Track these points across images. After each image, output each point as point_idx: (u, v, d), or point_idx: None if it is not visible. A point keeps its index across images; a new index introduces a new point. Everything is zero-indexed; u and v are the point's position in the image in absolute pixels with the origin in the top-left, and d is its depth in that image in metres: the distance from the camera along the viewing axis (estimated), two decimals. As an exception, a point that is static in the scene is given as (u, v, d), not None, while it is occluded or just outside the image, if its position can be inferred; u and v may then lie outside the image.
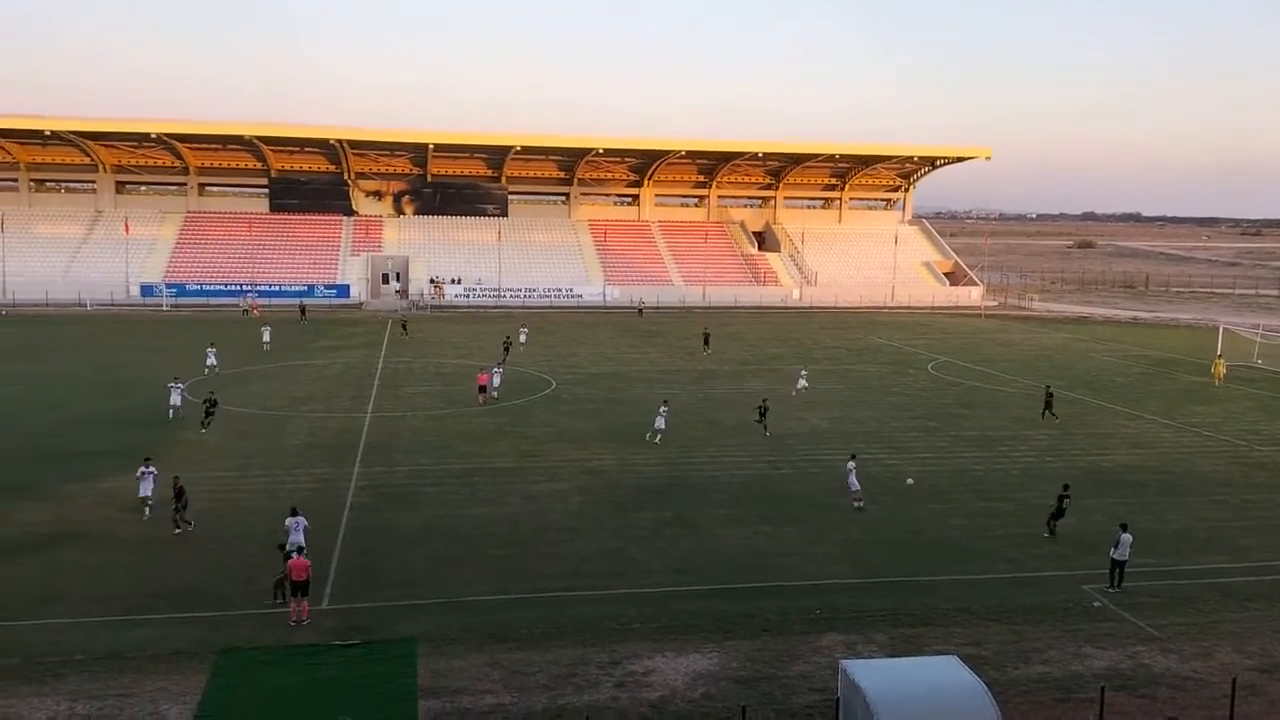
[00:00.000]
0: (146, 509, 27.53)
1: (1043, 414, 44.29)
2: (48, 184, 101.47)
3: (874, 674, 16.21)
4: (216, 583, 23.73)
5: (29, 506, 28.96)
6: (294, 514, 24.72)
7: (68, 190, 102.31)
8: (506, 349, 57.75)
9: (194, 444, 36.95)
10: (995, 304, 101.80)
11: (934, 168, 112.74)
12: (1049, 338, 76.34)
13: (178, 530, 26.84)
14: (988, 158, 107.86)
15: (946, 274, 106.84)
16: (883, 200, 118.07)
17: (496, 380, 46.71)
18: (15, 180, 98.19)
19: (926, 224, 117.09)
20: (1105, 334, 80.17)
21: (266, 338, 60.55)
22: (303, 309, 79.97)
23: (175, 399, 40.64)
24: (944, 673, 16.58)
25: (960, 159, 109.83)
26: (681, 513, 29.78)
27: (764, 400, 42.18)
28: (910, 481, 33.10)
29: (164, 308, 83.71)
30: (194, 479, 31.95)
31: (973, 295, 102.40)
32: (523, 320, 65.45)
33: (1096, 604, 23.54)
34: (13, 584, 23.26)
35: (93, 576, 23.98)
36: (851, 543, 27.60)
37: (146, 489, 27.56)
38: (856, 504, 30.34)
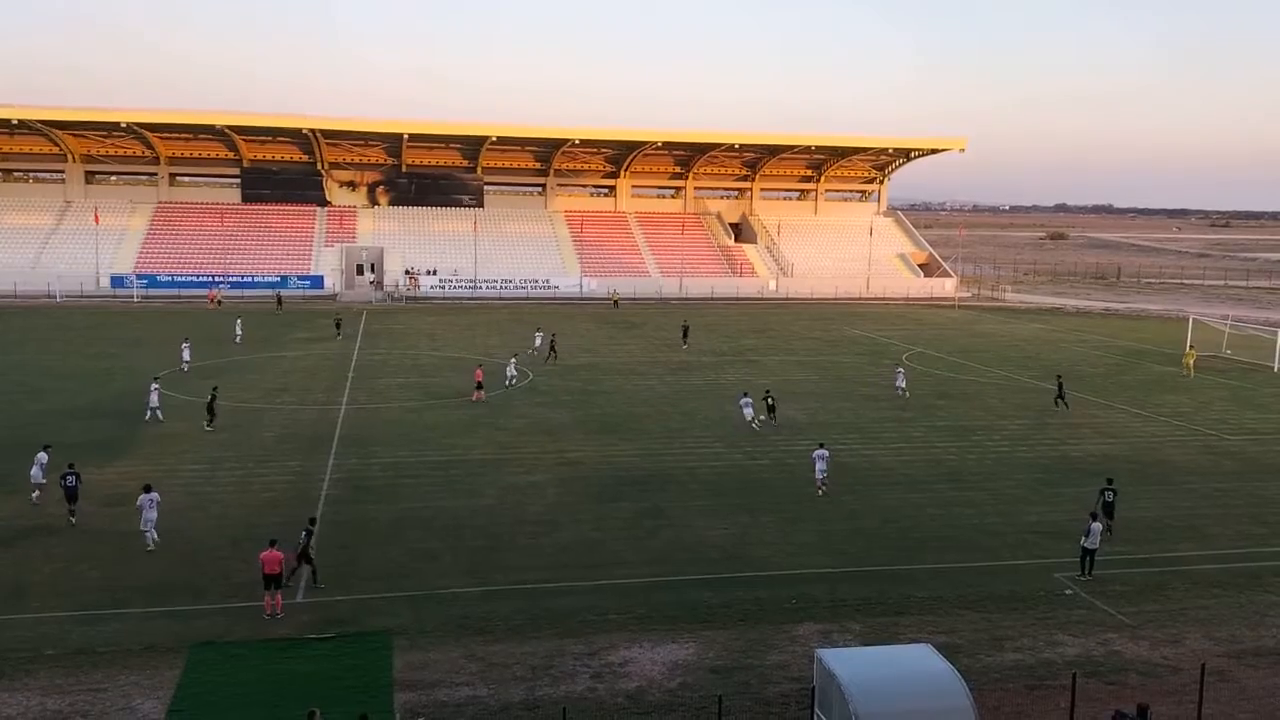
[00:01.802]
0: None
1: (1055, 402, 44.91)
2: (15, 173, 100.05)
3: (849, 662, 16.33)
4: (189, 577, 23.54)
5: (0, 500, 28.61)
6: (147, 490, 25.25)
7: (36, 180, 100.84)
8: (553, 347, 55.51)
9: (167, 438, 36.60)
10: (969, 295, 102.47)
11: (908, 160, 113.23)
12: (1022, 329, 76.95)
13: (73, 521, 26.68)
14: (962, 150, 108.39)
15: (921, 265, 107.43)
16: (858, 192, 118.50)
17: (512, 371, 48.02)
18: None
19: (901, 215, 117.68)
20: (1077, 325, 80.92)
21: (239, 330, 60.01)
22: (279, 299, 79.43)
23: (154, 400, 39.09)
24: (918, 661, 16.73)
25: (934, 151, 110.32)
26: (659, 504, 29.83)
27: (768, 393, 41.54)
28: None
29: (135, 299, 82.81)
30: (168, 472, 31.79)
31: (947, 287, 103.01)
32: (537, 323, 63.91)
33: (1068, 592, 23.79)
34: (-18, 579, 22.97)
35: (64, 571, 23.73)
36: (828, 533, 27.75)
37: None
38: (821, 490, 30.94)
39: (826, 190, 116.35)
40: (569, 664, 19.50)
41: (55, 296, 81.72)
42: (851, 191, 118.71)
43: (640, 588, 23.56)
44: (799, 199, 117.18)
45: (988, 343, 67.90)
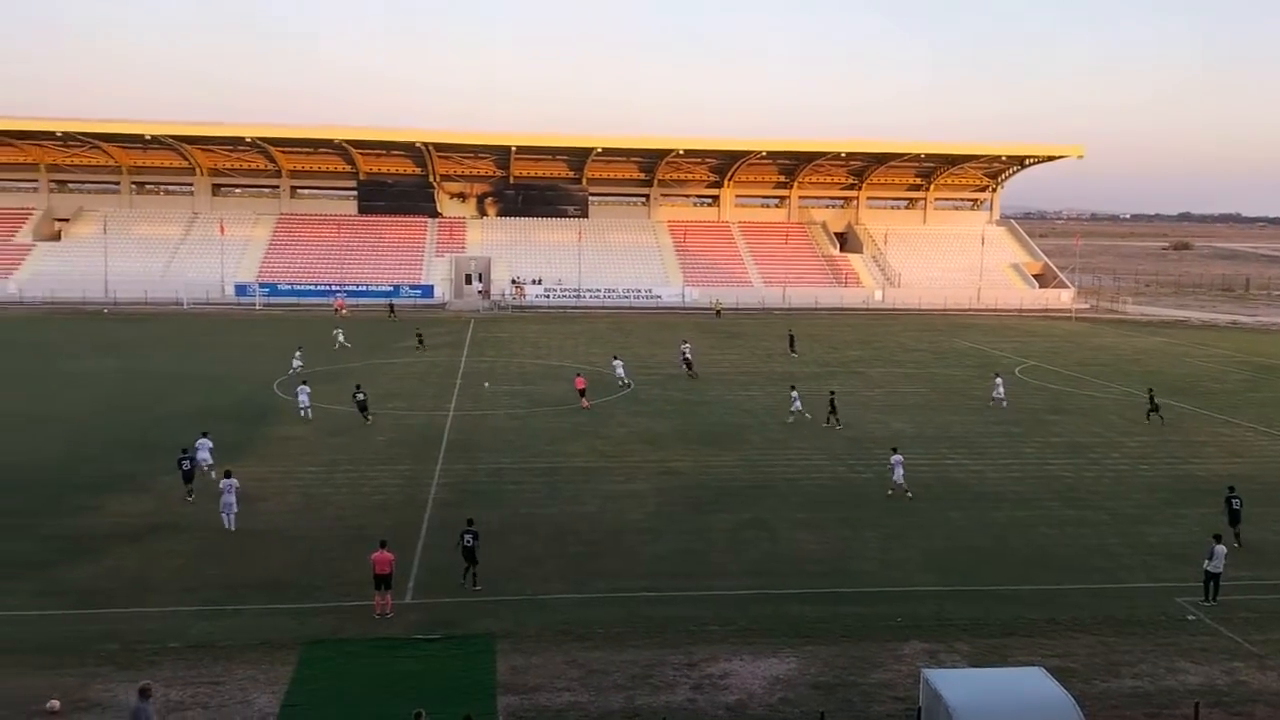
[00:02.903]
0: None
1: (1148, 416, 43.37)
2: (148, 186, 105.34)
3: (957, 683, 15.92)
4: (304, 575, 24.36)
5: (129, 497, 30.14)
6: (227, 476, 27.48)
7: (166, 192, 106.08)
8: (687, 363, 55.17)
9: (287, 440, 38.01)
10: (1086, 307, 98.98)
11: (1023, 167, 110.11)
12: (1142, 342, 73.95)
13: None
14: (1080, 156, 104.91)
15: (1035, 276, 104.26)
16: (969, 200, 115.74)
17: (620, 370, 50.68)
18: (117, 183, 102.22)
19: (1015, 224, 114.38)
20: (1202, 338, 77.35)
21: (339, 338, 62.03)
22: (391, 308, 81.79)
23: (304, 400, 41.77)
24: (1029, 684, 16.19)
25: (1050, 158, 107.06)
26: (759, 515, 29.61)
27: (831, 393, 42.95)
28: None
29: (257, 307, 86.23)
30: (286, 473, 33.05)
31: (1063, 298, 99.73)
32: (684, 335, 63.49)
33: (1190, 617, 22.73)
34: (112, 573, 24.21)
35: (186, 566, 24.82)
36: (934, 549, 27.12)
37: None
38: (891, 494, 31.54)
39: (936, 198, 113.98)
40: (668, 674, 19.48)
41: (183, 304, 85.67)
42: (963, 200, 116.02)
43: (740, 599, 23.41)
44: (907, 207, 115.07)
45: (1106, 356, 65.46)
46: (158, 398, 45.58)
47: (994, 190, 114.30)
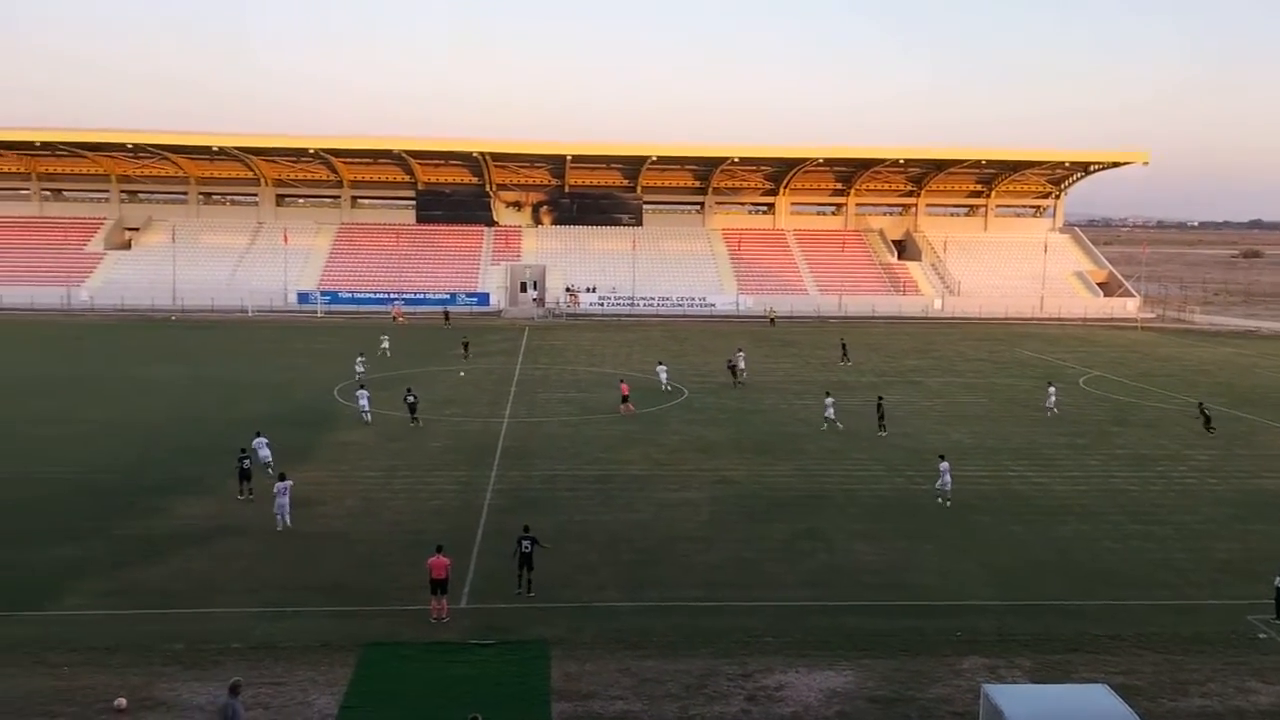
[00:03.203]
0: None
1: (1207, 427, 42.80)
2: (215, 197, 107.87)
3: (1018, 699, 15.63)
4: (363, 579, 24.70)
5: (196, 501, 30.83)
6: (282, 479, 28.64)
7: (232, 203, 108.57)
8: (733, 370, 54.79)
9: (347, 445, 38.61)
10: (1153, 316, 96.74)
11: (1087, 173, 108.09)
12: (1211, 352, 72.04)
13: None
14: (1145, 163, 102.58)
15: (1100, 284, 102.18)
16: (1032, 207, 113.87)
17: (663, 376, 51.86)
18: (185, 194, 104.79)
19: (1079, 232, 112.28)
20: (1273, 349, 75.12)
21: (385, 345, 62.72)
22: (446, 315, 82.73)
23: (365, 403, 42.87)
24: (1093, 701, 15.84)
25: (1115, 164, 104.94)
26: (815, 526, 29.37)
27: (880, 398, 43.59)
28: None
29: (318, 314, 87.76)
30: (346, 478, 33.58)
31: (1128, 307, 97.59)
32: (739, 344, 63.53)
33: (1262, 635, 22.07)
34: (179, 574, 24.77)
35: (250, 568, 25.31)
36: (994, 563, 26.67)
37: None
38: (948, 504, 31.43)
39: (997, 206, 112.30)
40: (723, 684, 19.38)
41: (248, 311, 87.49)
42: (1024, 207, 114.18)
43: (795, 611, 23.23)
44: (967, 215, 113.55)
45: (1173, 367, 63.92)
46: (223, 404, 46.56)
47: (1057, 197, 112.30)
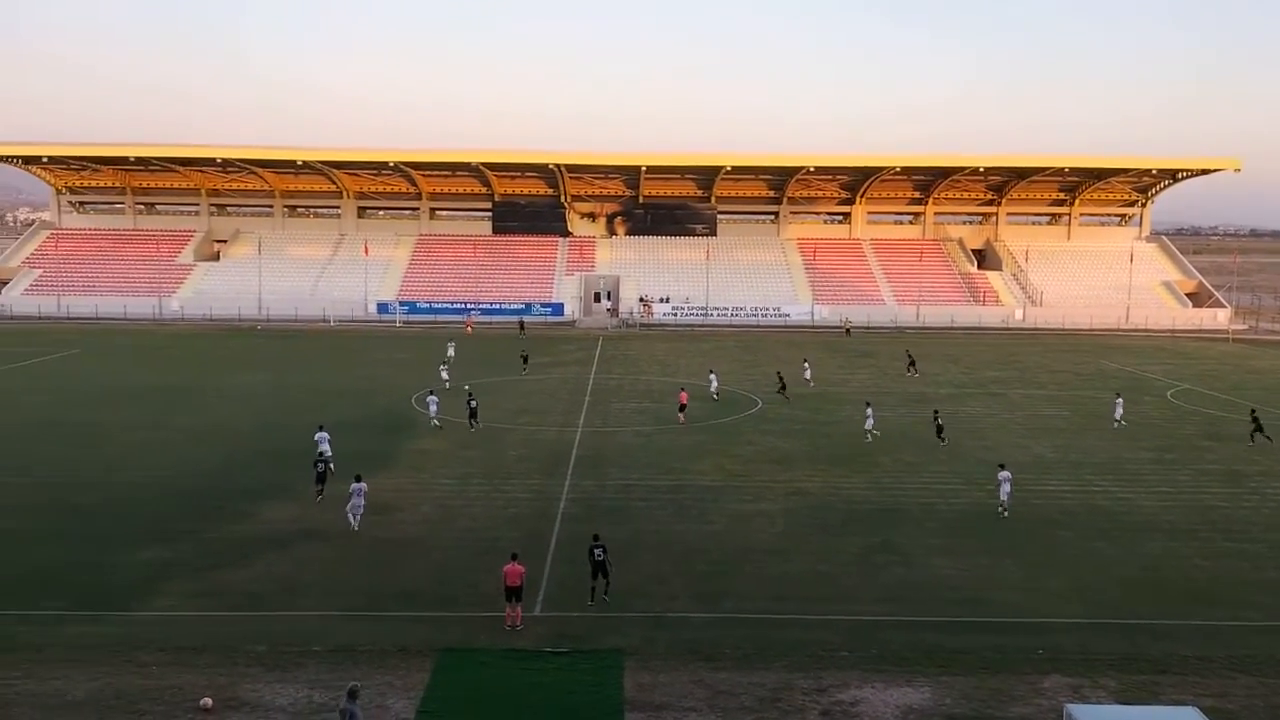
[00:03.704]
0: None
1: (1252, 437, 41.95)
2: (299, 209, 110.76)
3: (1103, 721, 15.17)
4: (439, 584, 25.04)
5: (279, 505, 31.61)
6: (358, 480, 29.22)
7: (315, 215, 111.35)
8: (782, 386, 53.41)
9: (425, 453, 39.22)
10: (1245, 327, 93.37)
11: (1175, 181, 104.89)
12: (1309, 365, 69.20)
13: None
14: (1236, 169, 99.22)
15: (1189, 294, 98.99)
16: (1117, 216, 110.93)
17: (715, 384, 51.89)
18: (271, 206, 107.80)
19: (1167, 241, 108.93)
20: (1379, 361, 71.88)
21: (450, 352, 63.55)
22: (521, 325, 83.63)
23: (434, 409, 44.22)
24: (1183, 726, 15.30)
25: (1205, 171, 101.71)
26: (891, 539, 28.94)
27: (936, 412, 43.31)
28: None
29: (397, 324, 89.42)
30: (423, 485, 34.11)
31: (1219, 318, 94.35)
32: (805, 354, 63.34)
33: (1366, 663, 21.07)
34: (263, 577, 25.41)
35: (330, 572, 25.84)
36: (1079, 579, 25.95)
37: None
38: (1001, 510, 31.33)
39: (1081, 214, 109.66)
40: (797, 698, 19.18)
41: (329, 321, 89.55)
42: (1110, 215, 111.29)
43: (871, 625, 22.89)
44: (1050, 223, 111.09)
45: (1267, 380, 61.59)
46: (306, 411, 47.64)
47: (1144, 205, 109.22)
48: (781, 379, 53.73)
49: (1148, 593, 25.14)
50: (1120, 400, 46.74)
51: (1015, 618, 23.42)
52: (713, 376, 52.90)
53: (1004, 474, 31.69)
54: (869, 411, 42.86)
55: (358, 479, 29.44)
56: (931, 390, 55.64)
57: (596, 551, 23.77)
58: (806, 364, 58.17)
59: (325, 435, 35.97)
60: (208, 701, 18.36)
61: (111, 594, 24.11)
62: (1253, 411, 44.34)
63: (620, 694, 19.07)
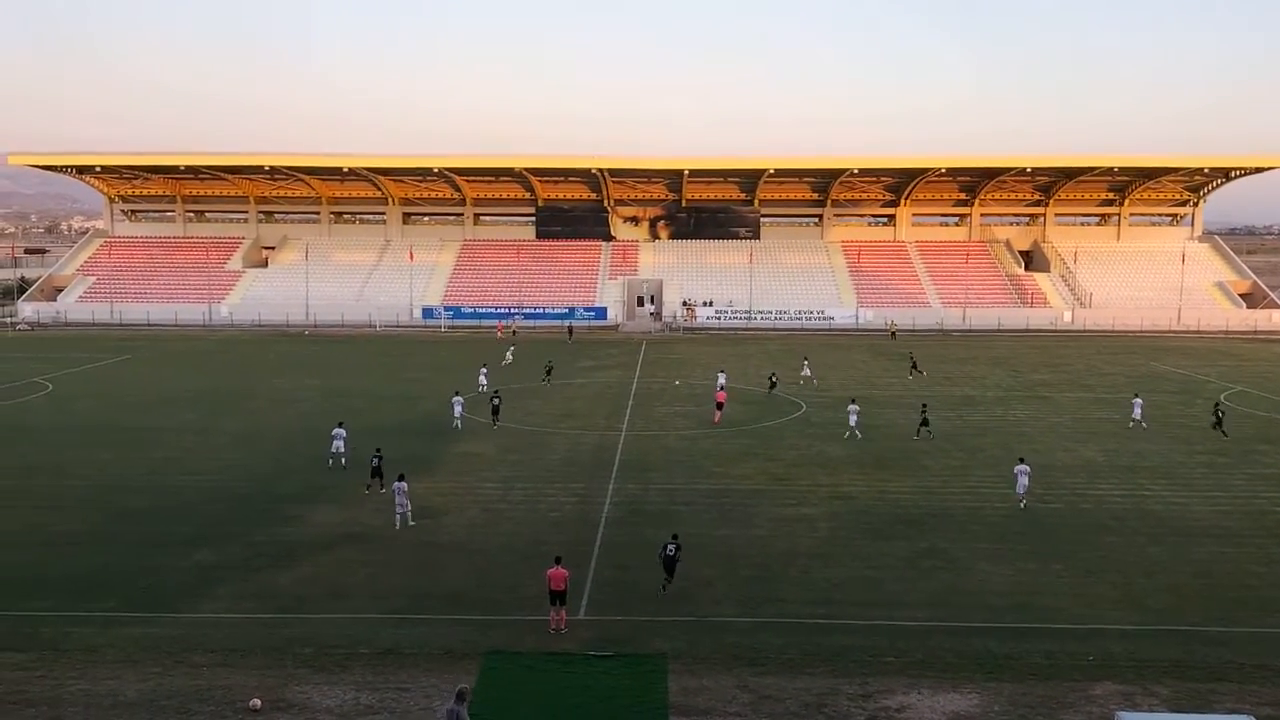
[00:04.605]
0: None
1: (1214, 427, 43.42)
2: (345, 216, 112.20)
3: (1156, 731, 14.86)
4: (484, 588, 25.17)
5: (326, 509, 31.98)
6: (400, 479, 30.13)
7: (361, 221, 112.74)
8: (772, 386, 54.64)
9: (469, 456, 39.47)
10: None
11: (1228, 179, 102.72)
12: (1370, 366, 67.38)
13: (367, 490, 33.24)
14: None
15: (1243, 295, 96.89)
16: (1168, 215, 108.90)
17: (721, 380, 51.63)
18: (318, 213, 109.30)
19: (1219, 240, 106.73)
20: None
21: (509, 356, 65.74)
22: (570, 331, 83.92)
23: (458, 411, 44.94)
24: (1240, 736, 14.95)
25: (1259, 169, 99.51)
26: (938, 544, 28.61)
27: (924, 406, 44.76)
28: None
29: (442, 329, 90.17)
30: (468, 488, 34.34)
31: (1275, 319, 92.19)
32: (804, 353, 64.45)
33: None
34: (310, 580, 25.72)
35: (376, 575, 26.09)
36: (1129, 586, 25.48)
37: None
38: (1021, 504, 32.10)
39: (1131, 214, 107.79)
40: (843, 704, 19.02)
41: (375, 326, 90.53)
42: (1161, 215, 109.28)
43: (918, 631, 22.64)
44: (1099, 224, 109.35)
45: (1326, 381, 60.05)
46: (352, 415, 47.97)
47: (1196, 204, 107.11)
48: (772, 380, 54.77)
49: (1201, 599, 24.61)
50: (1139, 401, 46.29)
51: (1065, 624, 23.05)
52: (720, 375, 53.16)
53: (1022, 467, 32.63)
54: (852, 408, 43.65)
55: (400, 479, 30.15)
56: (979, 394, 54.97)
57: (669, 548, 24.47)
58: (806, 362, 59.68)
59: (342, 432, 37.38)
60: (257, 702, 18.61)
61: (162, 596, 24.54)
62: (1216, 404, 46.32)
63: (665, 698, 19.01)
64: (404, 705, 18.86)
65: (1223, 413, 44.27)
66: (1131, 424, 45.06)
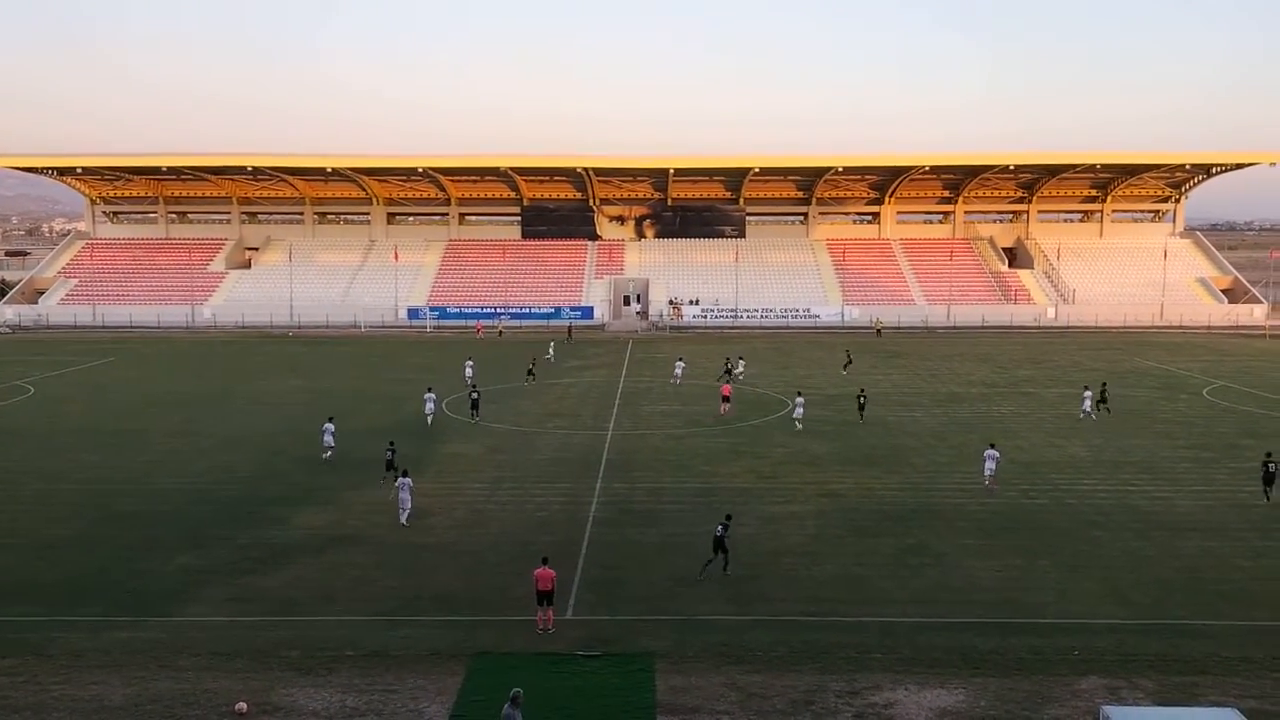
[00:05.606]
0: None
1: (1096, 408, 46.02)
2: (329, 216, 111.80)
3: (1141, 724, 14.97)
4: (471, 589, 25.11)
5: (311, 511, 31.86)
6: (404, 475, 30.51)
7: (345, 222, 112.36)
8: (728, 371, 57.78)
9: (455, 457, 39.39)
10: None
11: (1209, 176, 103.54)
12: (1351, 360, 67.96)
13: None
14: (1272, 163, 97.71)
15: (1224, 290, 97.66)
16: (1150, 212, 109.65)
17: (678, 371, 55.31)
18: (301, 214, 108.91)
19: (1201, 236, 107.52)
20: None
21: (551, 352, 67.25)
22: (569, 331, 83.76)
23: (429, 408, 45.41)
24: (1223, 729, 15.07)
25: (1240, 165, 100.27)
26: (925, 541, 28.71)
27: (861, 392, 47.23)
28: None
29: (428, 329, 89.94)
30: (455, 489, 34.26)
31: (1255, 314, 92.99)
32: (740, 352, 65.81)
33: None
34: (296, 582, 25.60)
35: (363, 578, 25.99)
36: (1114, 580, 25.63)
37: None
38: (990, 487, 33.54)
39: (1114, 211, 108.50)
40: (830, 701, 19.07)
41: (360, 327, 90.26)
42: (1143, 212, 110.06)
43: (905, 627, 22.71)
44: (1082, 221, 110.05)
45: (1307, 376, 60.53)
46: (339, 416, 47.95)
47: (1177, 201, 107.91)
48: (728, 367, 57.59)
49: (1185, 593, 24.77)
50: (1089, 393, 47.12)
51: (1050, 619, 23.16)
52: (679, 364, 56.14)
53: (991, 452, 34.21)
54: (799, 401, 44.97)
55: (404, 474, 30.63)
56: (964, 390, 55.19)
57: (718, 529, 25.38)
58: (742, 360, 61.23)
59: (330, 427, 38.53)
60: (242, 706, 18.52)
61: (147, 599, 24.38)
62: (1103, 386, 48.42)
63: (652, 697, 19.04)
64: (391, 707, 18.80)
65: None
66: (1082, 415, 46.09)
